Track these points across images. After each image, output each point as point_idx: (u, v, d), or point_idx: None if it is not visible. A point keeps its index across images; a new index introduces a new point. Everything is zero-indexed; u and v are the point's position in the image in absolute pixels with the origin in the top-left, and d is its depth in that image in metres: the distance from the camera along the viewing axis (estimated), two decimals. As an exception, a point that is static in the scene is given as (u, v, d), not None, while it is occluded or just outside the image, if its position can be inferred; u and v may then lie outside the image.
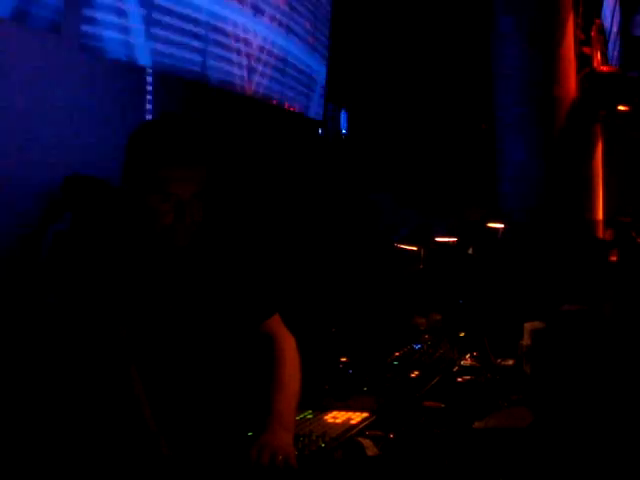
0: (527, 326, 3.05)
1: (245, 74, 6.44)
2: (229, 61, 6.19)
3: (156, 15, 5.26)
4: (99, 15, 4.79)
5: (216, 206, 2.24)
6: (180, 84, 5.88)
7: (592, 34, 7.31)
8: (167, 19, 5.40)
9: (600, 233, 6.99)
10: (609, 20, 7.91)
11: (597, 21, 7.47)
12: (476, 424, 2.39)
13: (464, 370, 3.03)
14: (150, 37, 5.26)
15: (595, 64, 7.22)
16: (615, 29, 7.97)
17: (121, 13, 4.97)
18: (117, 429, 2.04)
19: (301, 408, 2.29)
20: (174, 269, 2.20)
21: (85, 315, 2.16)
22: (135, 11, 5.11)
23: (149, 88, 5.83)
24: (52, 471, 2.16)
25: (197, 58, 5.78)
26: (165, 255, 2.18)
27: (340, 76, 8.29)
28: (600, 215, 7.19)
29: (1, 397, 2.94)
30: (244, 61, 6.41)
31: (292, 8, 7.18)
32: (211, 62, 5.95)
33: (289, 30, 7.17)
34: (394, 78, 8.63)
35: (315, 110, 8.04)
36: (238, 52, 6.33)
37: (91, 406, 2.12)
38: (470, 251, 5.28)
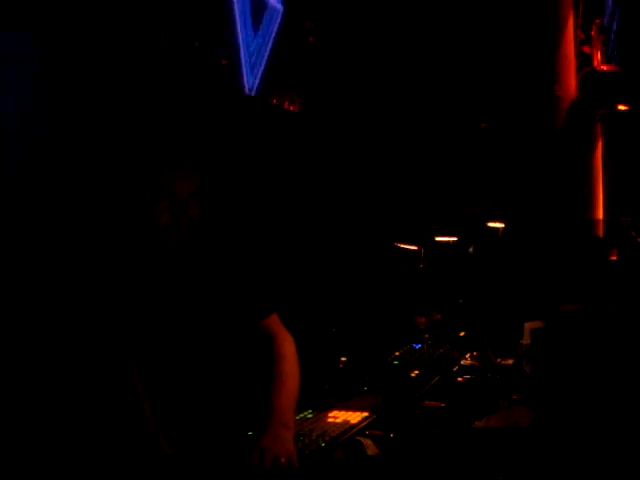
0: (527, 326, 3.05)
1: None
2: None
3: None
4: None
5: (215, 205, 2.25)
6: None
7: (592, 33, 7.31)
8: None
9: (600, 232, 6.99)
10: (609, 19, 7.90)
11: (597, 20, 7.46)
12: (476, 423, 2.39)
13: (464, 369, 3.03)
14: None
15: (595, 63, 7.21)
16: (615, 28, 7.96)
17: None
18: (118, 429, 2.04)
19: (301, 408, 2.29)
20: (172, 267, 2.20)
21: (85, 314, 2.16)
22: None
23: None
24: (53, 470, 2.17)
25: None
26: (163, 253, 2.18)
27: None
28: (600, 214, 7.19)
29: (1, 397, 2.94)
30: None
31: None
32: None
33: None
34: (394, 77, 8.62)
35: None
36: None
37: (92, 406, 2.12)
38: (470, 250, 5.28)
